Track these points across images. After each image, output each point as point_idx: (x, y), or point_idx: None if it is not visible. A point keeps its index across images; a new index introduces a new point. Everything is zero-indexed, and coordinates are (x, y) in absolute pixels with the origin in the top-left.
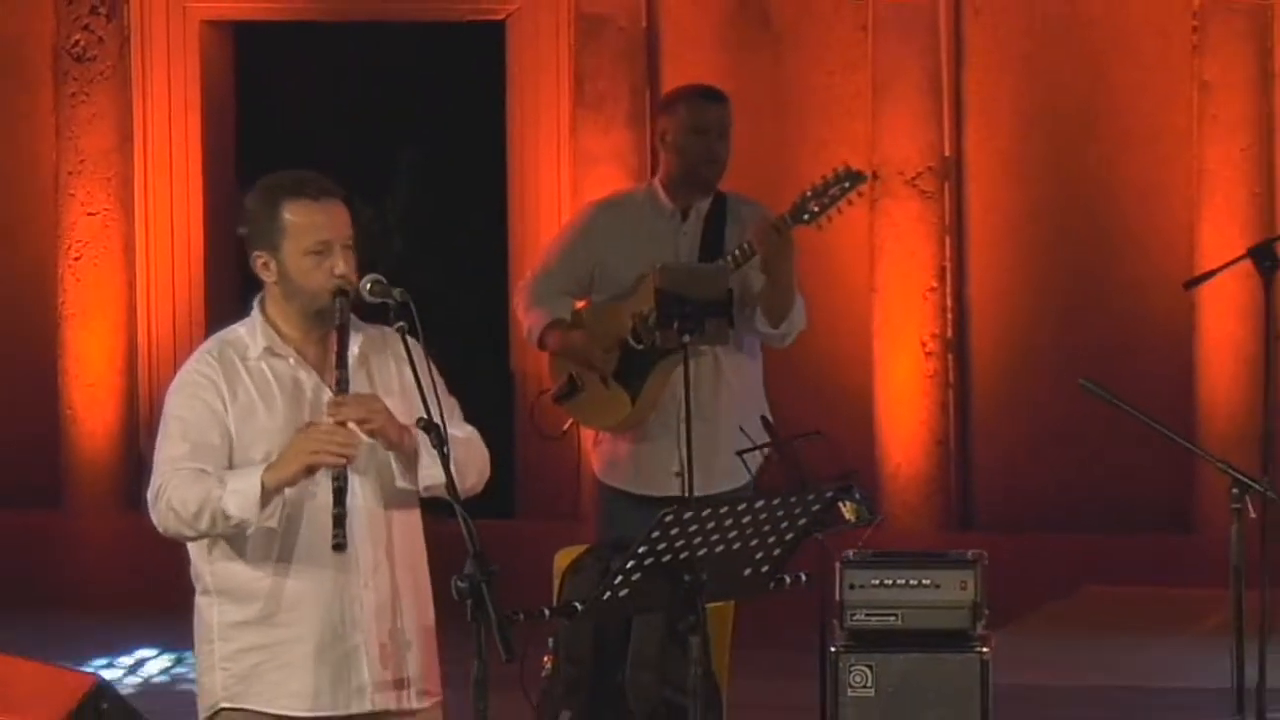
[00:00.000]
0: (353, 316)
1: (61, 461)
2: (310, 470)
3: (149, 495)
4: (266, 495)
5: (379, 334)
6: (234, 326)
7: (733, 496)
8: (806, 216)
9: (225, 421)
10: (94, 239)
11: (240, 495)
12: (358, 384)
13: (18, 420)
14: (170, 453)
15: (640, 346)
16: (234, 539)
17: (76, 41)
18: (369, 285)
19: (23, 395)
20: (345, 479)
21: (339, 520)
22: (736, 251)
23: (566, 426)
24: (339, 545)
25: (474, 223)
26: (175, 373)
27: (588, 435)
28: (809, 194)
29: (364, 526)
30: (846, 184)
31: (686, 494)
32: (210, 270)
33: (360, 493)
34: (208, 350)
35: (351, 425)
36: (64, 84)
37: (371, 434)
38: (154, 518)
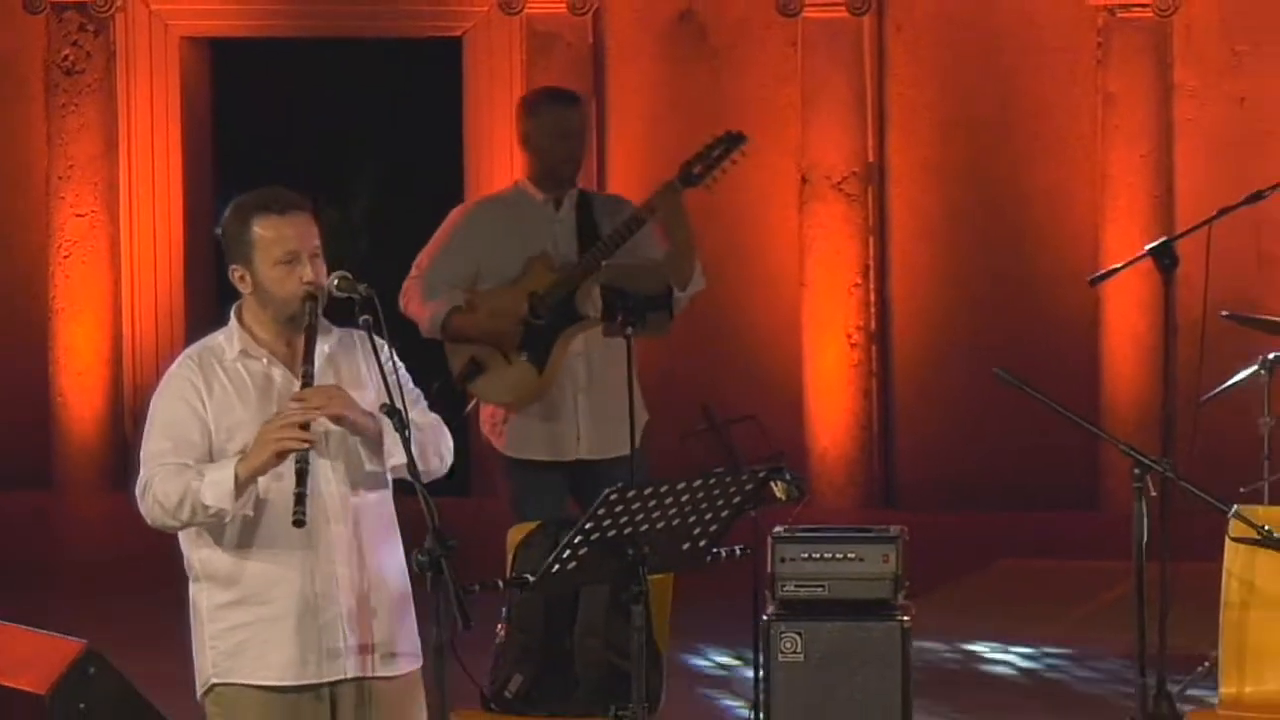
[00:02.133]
0: (324, 319)
1: (52, 445)
2: (280, 456)
3: (136, 490)
4: (241, 485)
5: (348, 335)
6: (214, 334)
7: (626, 463)
8: (694, 179)
9: (204, 419)
10: (82, 239)
11: (216, 486)
12: (328, 379)
13: (11, 406)
14: (154, 449)
15: (540, 321)
16: (215, 528)
17: (66, 56)
18: (336, 281)
19: (15, 383)
20: (307, 461)
21: (300, 499)
22: (639, 209)
23: (470, 407)
24: (298, 521)
25: (432, 224)
26: (158, 363)
27: (485, 418)
28: (691, 159)
29: (337, 508)
30: (728, 145)
31: (585, 458)
32: (189, 268)
33: (333, 477)
34: (189, 355)
35: (314, 412)
36: (54, 96)
37: (335, 419)
38: (141, 510)
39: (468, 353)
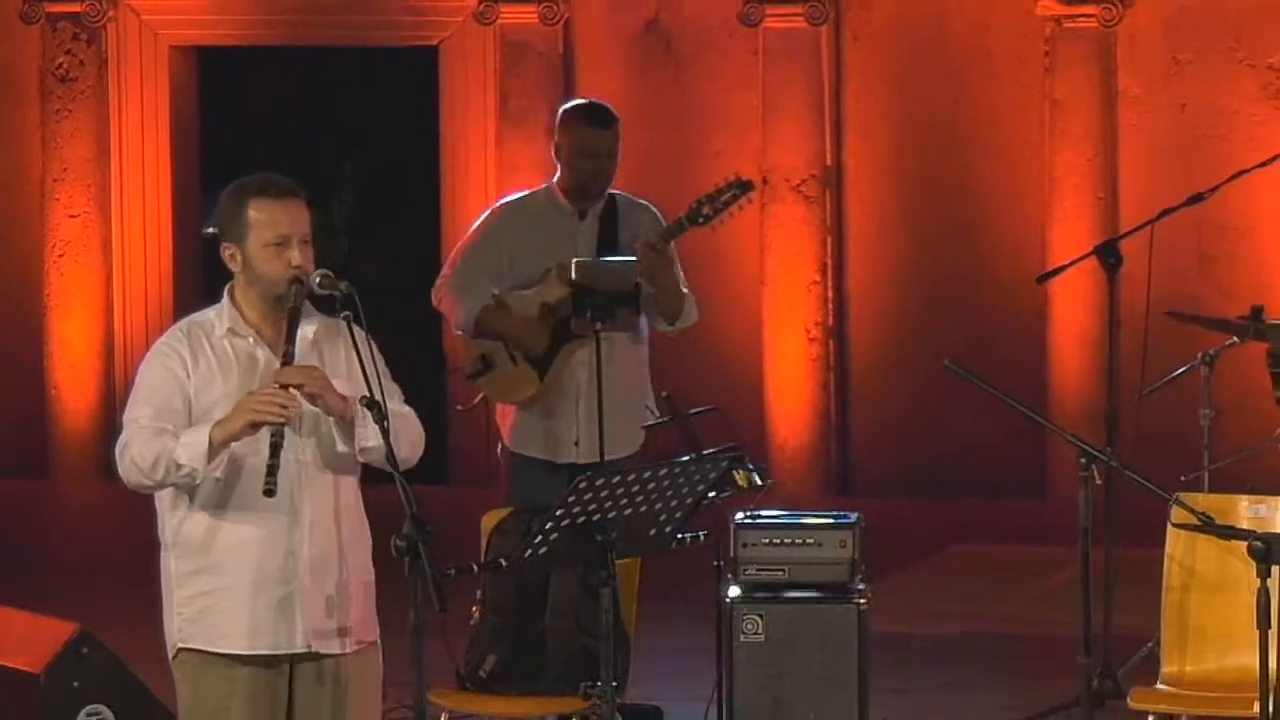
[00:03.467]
0: (310, 306)
1: (48, 435)
2: (254, 426)
3: (116, 450)
4: (214, 448)
5: (333, 323)
6: (205, 310)
7: (637, 465)
8: (700, 219)
9: (187, 388)
10: (75, 238)
11: (190, 447)
12: (311, 362)
13: (8, 398)
14: (136, 414)
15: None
16: (188, 495)
17: (60, 64)
18: (318, 279)
19: (12, 376)
20: (282, 436)
21: (271, 470)
22: (648, 243)
23: (475, 401)
24: (269, 491)
25: (411, 224)
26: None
27: (495, 409)
28: (703, 199)
29: (308, 486)
30: (737, 191)
31: (581, 461)
32: (178, 266)
33: (305, 457)
34: (179, 328)
35: (293, 390)
36: (49, 102)
37: (311, 398)
38: (120, 471)
39: (479, 350)
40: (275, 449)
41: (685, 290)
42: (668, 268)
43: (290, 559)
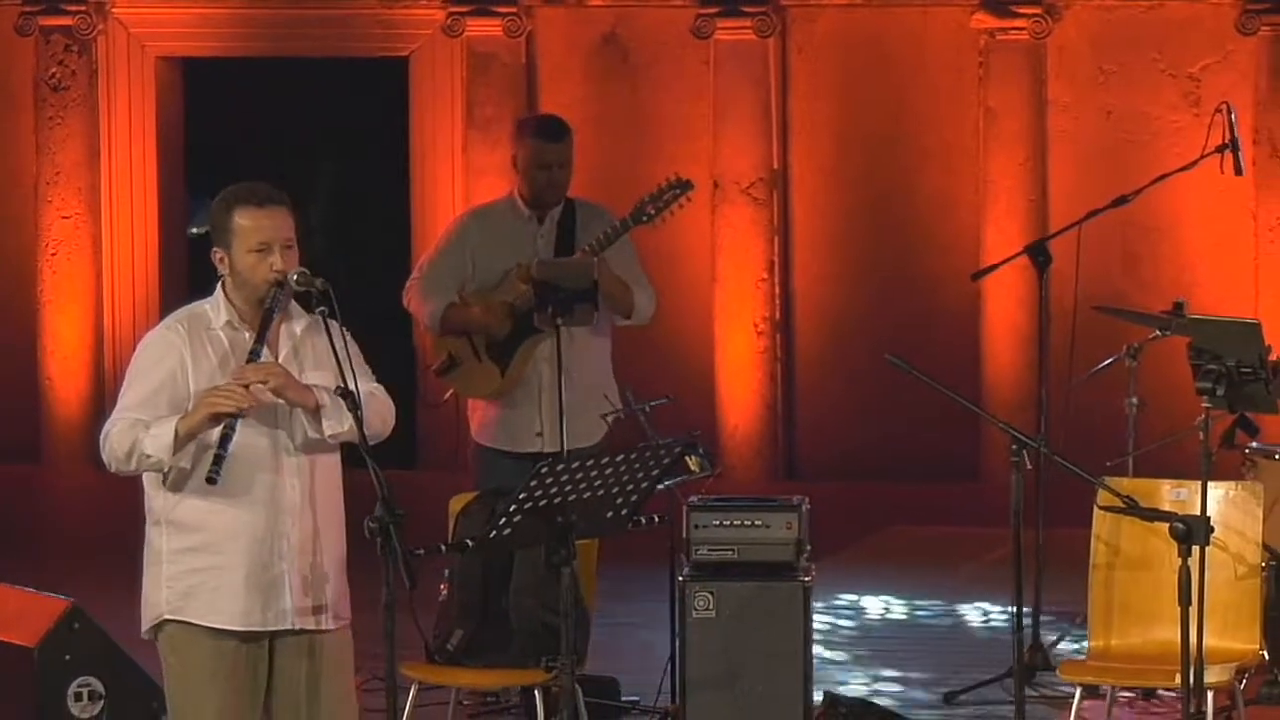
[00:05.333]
0: (296, 305)
1: (41, 422)
2: (213, 419)
3: (101, 434)
4: (179, 439)
5: (317, 320)
6: (199, 303)
7: (591, 453)
8: (645, 218)
9: (179, 379)
10: (67, 238)
11: (157, 439)
12: (298, 358)
13: (3, 388)
14: (124, 400)
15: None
16: (185, 479)
17: (53, 74)
18: (295, 277)
19: (7, 368)
20: (233, 428)
21: (218, 459)
22: (587, 247)
23: (446, 396)
24: (211, 479)
25: (382, 225)
26: (135, 349)
27: (465, 402)
28: (646, 199)
29: (290, 471)
30: (678, 190)
31: (545, 451)
32: (164, 264)
33: (287, 443)
34: (178, 320)
35: (254, 386)
36: (43, 109)
37: (275, 393)
38: (103, 455)
39: (446, 348)
40: (225, 440)
41: (647, 288)
42: (605, 268)
43: (280, 542)
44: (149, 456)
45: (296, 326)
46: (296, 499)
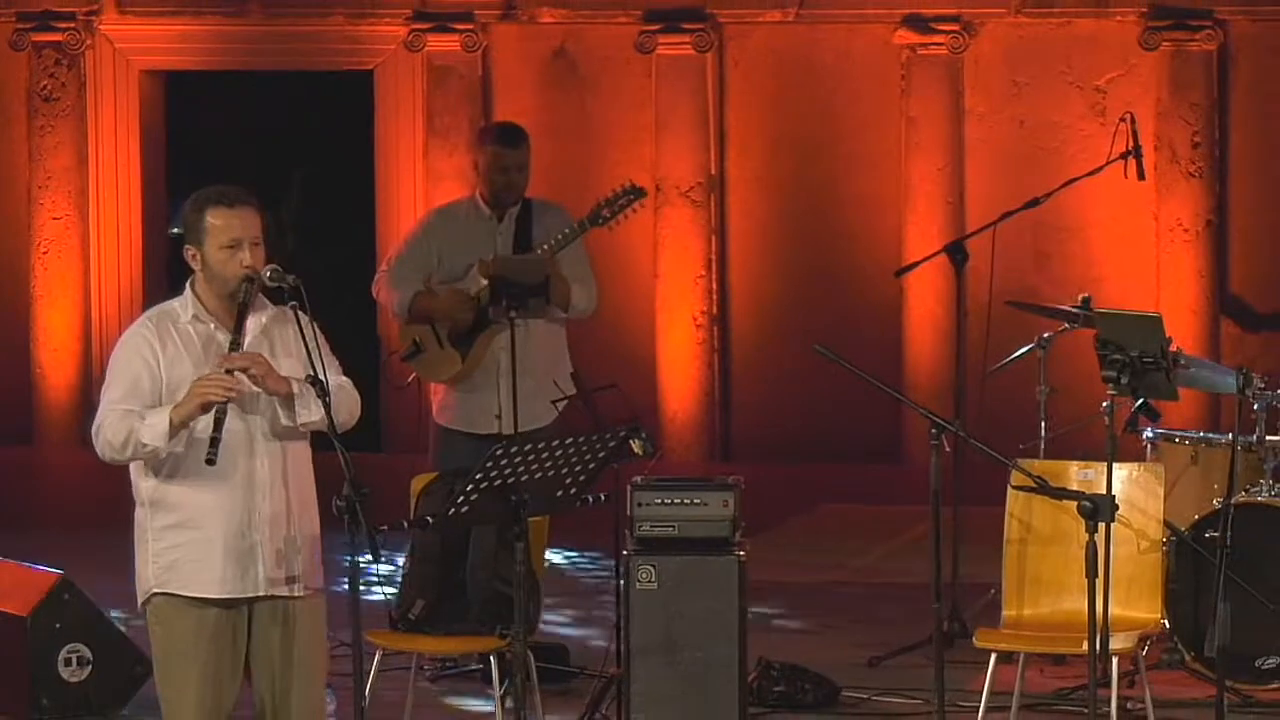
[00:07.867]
0: (262, 297)
1: (33, 407)
2: (205, 406)
3: (93, 429)
4: (174, 428)
5: (282, 312)
6: (170, 301)
7: (544, 434)
8: (600, 220)
9: (155, 370)
10: (58, 238)
11: (152, 428)
12: (263, 346)
13: None
14: (109, 396)
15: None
16: (165, 463)
17: (44, 86)
18: (268, 273)
19: (2, 358)
20: (225, 413)
21: (213, 442)
22: (545, 246)
23: (409, 380)
24: (210, 460)
25: (349, 224)
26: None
27: (428, 386)
28: (602, 203)
29: (264, 454)
30: (631, 196)
31: (503, 433)
32: (146, 262)
33: (261, 428)
34: (148, 317)
35: (238, 373)
36: (35, 119)
37: (255, 380)
38: (96, 447)
39: (411, 335)
40: (218, 424)
41: (590, 285)
42: (554, 266)
43: (254, 516)
44: (145, 445)
45: (263, 317)
46: (268, 477)
